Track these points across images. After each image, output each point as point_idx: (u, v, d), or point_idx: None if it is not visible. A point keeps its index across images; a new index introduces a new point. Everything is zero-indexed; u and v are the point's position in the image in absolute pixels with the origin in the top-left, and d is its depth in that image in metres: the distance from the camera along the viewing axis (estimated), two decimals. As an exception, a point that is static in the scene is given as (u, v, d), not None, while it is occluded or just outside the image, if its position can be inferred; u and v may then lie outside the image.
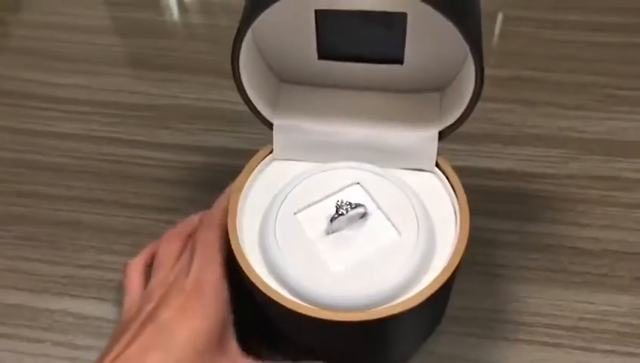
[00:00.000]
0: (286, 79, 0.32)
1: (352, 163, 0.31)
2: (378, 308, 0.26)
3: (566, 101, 0.43)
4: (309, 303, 0.26)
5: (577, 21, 0.47)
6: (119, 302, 0.34)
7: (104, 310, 0.34)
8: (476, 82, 0.28)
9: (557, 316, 0.33)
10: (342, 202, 0.28)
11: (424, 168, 0.31)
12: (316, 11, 0.29)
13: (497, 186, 0.39)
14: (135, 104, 0.44)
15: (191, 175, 0.40)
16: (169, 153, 0.41)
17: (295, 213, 0.29)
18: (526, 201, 0.38)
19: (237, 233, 0.29)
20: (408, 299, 0.26)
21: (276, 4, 0.27)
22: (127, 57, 0.47)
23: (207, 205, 0.38)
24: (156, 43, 0.48)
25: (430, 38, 0.29)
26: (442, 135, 0.30)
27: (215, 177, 0.40)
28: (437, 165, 0.31)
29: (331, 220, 0.28)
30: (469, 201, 0.29)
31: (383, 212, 0.29)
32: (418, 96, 0.31)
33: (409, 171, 0.31)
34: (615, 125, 0.41)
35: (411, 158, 0.31)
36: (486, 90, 0.43)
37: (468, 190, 0.29)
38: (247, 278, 0.27)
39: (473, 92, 0.28)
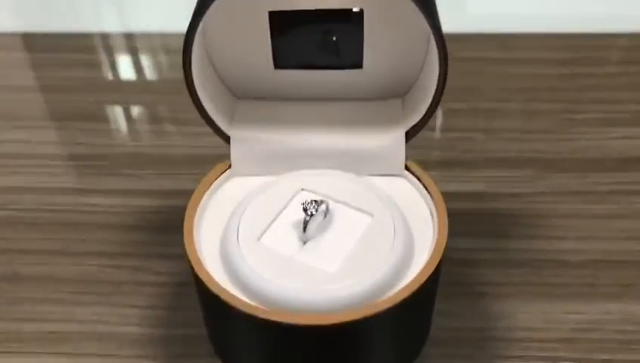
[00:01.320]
0: (243, 95, 0.31)
1: (291, 174, 0.29)
2: (387, 295, 0.24)
3: (525, 127, 0.42)
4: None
5: (526, 58, 0.49)
6: (60, 355, 0.30)
7: (43, 365, 0.30)
8: (440, 72, 0.27)
9: (549, 329, 0.31)
10: (306, 202, 0.26)
11: (393, 172, 0.29)
12: (270, 14, 0.28)
13: (467, 207, 0.37)
14: (80, 155, 0.41)
15: (140, 219, 0.37)
16: (117, 198, 0.38)
17: (259, 239, 0.26)
18: (499, 220, 0.36)
19: (199, 257, 0.26)
20: (404, 287, 0.24)
21: (228, 11, 0.27)
22: (68, 111, 0.45)
23: (159, 246, 0.35)
24: (96, 97, 0.46)
25: (389, 37, 0.28)
26: (408, 136, 0.29)
27: (167, 218, 0.37)
28: (408, 168, 0.29)
29: (304, 227, 0.26)
30: None
31: (343, 203, 0.27)
32: (381, 102, 0.30)
33: (380, 177, 0.29)
34: (576, 145, 0.41)
35: (379, 162, 0.29)
36: (446, 121, 0.44)
37: None
38: (236, 310, 0.24)
39: (437, 86, 0.27)
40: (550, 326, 0.31)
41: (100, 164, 0.41)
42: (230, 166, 0.29)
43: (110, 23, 0.59)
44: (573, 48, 0.49)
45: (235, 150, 0.29)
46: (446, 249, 0.25)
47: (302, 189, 0.28)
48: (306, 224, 0.26)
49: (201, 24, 0.26)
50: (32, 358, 0.30)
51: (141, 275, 0.34)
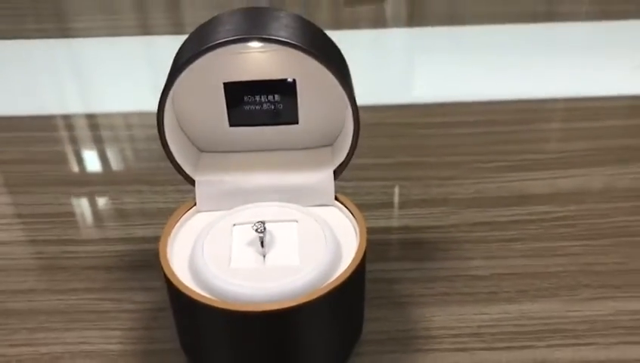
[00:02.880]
0: (204, 149, 0.38)
1: (232, 210, 0.36)
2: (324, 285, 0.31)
3: (441, 175, 0.51)
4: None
5: (440, 122, 0.58)
6: (53, 371, 0.36)
7: (38, 380, 0.35)
8: (354, 125, 0.35)
9: (460, 327, 0.38)
10: (255, 226, 0.33)
11: (326, 202, 0.37)
12: (224, 84, 0.36)
13: (395, 238, 0.45)
14: (64, 213, 0.48)
15: (121, 261, 0.43)
16: (99, 245, 0.44)
17: (229, 265, 0.33)
18: (421, 247, 0.44)
19: (172, 268, 0.32)
20: (339, 276, 0.31)
21: (192, 83, 0.35)
22: (51, 178, 0.52)
23: (136, 281, 0.42)
24: (68, 168, 0.54)
25: (317, 100, 0.37)
26: (336, 174, 0.37)
27: (141, 259, 0.43)
28: (337, 199, 0.37)
29: (262, 243, 0.33)
30: (373, 251, 0.34)
31: (273, 221, 0.34)
32: (314, 149, 0.38)
33: (315, 207, 0.36)
34: (483, 187, 0.50)
35: (314, 195, 0.37)
36: (377, 173, 0.52)
37: (372, 243, 0.34)
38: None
39: (353, 135, 0.35)
40: (461, 325, 0.38)
41: (81, 219, 0.47)
42: (195, 204, 0.36)
43: (72, 105, 0.67)
44: (478, 113, 0.60)
45: (199, 191, 0.36)
46: (367, 250, 0.33)
47: (234, 224, 0.35)
48: (262, 240, 0.33)
49: (170, 92, 0.34)
50: (28, 375, 0.35)
51: (121, 305, 0.40)
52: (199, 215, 0.36)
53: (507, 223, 0.46)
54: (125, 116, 0.62)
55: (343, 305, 0.32)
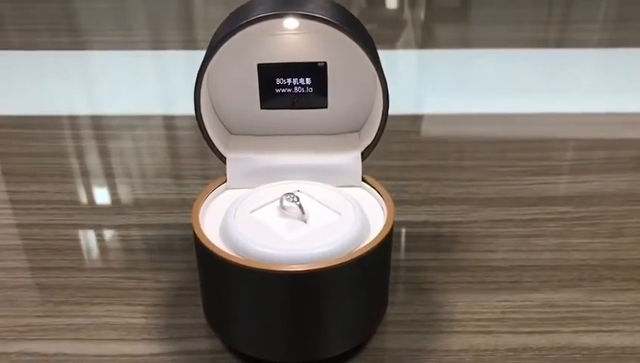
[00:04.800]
0: (235, 131, 0.39)
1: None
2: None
3: (460, 177, 0.52)
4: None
5: (459, 130, 0.60)
6: (77, 340, 0.36)
7: (62, 347, 0.35)
8: (384, 107, 0.36)
9: (483, 312, 0.38)
10: (290, 197, 0.34)
11: (353, 183, 0.37)
12: (258, 66, 0.37)
13: (417, 232, 0.45)
14: (91, 201, 0.49)
15: (145, 243, 0.44)
16: (124, 231, 0.45)
17: (283, 238, 0.33)
18: (442, 240, 0.44)
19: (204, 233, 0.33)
20: (366, 245, 0.32)
21: (226, 64, 0.36)
22: (82, 170, 0.53)
23: (160, 262, 0.42)
24: (107, 160, 0.55)
25: (347, 85, 0.38)
26: (363, 156, 0.38)
27: (165, 243, 0.44)
28: (364, 180, 0.37)
29: (302, 210, 0.34)
30: (395, 242, 0.35)
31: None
32: (342, 135, 0.39)
33: (343, 187, 0.37)
34: (502, 188, 0.50)
35: (342, 176, 0.37)
36: (395, 173, 0.53)
37: (393, 235, 0.35)
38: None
39: (382, 117, 0.36)
40: (484, 310, 0.38)
41: (109, 207, 0.48)
42: (226, 181, 0.37)
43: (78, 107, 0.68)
44: (499, 123, 0.61)
45: (230, 168, 0.37)
46: (393, 226, 0.33)
47: (252, 211, 0.35)
48: (301, 208, 0.34)
49: (206, 73, 0.35)
50: (54, 343, 0.36)
51: (145, 283, 0.40)
52: (228, 191, 0.37)
53: (528, 221, 0.46)
54: (156, 118, 0.64)
55: (373, 271, 0.33)
